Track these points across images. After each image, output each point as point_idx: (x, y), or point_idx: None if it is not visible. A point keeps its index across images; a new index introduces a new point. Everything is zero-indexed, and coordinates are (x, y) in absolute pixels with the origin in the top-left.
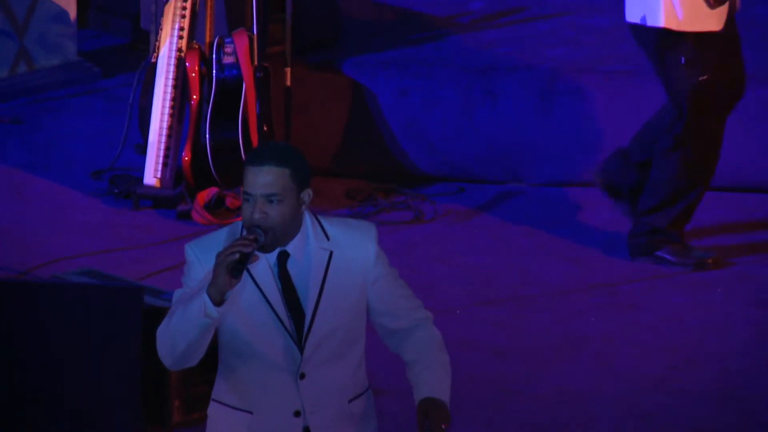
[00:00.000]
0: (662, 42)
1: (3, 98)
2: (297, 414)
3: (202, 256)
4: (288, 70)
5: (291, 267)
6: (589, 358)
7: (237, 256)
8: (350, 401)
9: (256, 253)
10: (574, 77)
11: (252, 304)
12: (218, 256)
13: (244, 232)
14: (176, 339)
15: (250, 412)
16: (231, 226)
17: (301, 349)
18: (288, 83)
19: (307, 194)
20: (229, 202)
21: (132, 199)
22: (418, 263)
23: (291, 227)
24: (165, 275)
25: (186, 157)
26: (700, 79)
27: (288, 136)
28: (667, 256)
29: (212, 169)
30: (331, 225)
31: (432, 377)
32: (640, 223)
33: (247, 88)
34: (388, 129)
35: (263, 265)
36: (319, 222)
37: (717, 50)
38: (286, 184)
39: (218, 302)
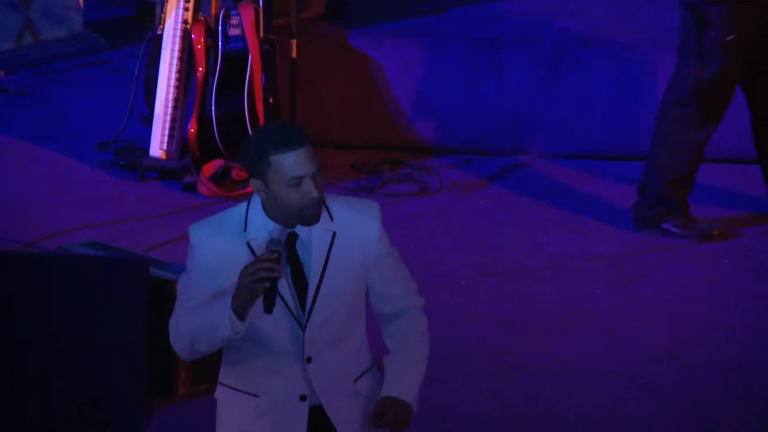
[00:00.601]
0: (704, 8)
1: (8, 70)
2: (303, 398)
3: (206, 240)
4: (294, 42)
5: (297, 248)
6: (595, 330)
7: (268, 284)
8: (356, 381)
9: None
10: (581, 49)
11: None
12: (243, 274)
13: (252, 218)
14: (197, 341)
15: (257, 396)
16: (236, 209)
17: (303, 331)
18: (294, 55)
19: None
20: (235, 173)
21: (138, 171)
22: (424, 235)
23: None
24: (171, 247)
25: (192, 129)
26: (727, 39)
27: (293, 108)
28: (672, 228)
29: (218, 141)
30: (335, 204)
31: (403, 375)
32: (645, 194)
33: (253, 60)
34: (394, 101)
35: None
36: (324, 201)
37: (755, 17)
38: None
39: (242, 316)
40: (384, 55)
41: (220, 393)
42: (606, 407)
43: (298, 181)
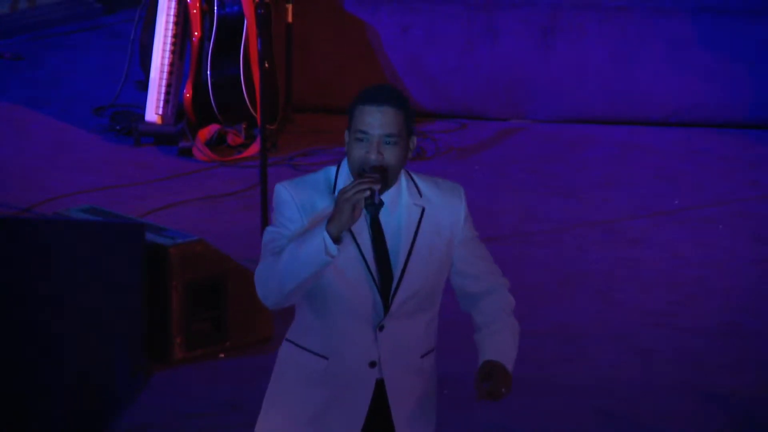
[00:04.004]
0: None
1: (4, 34)
2: (372, 365)
3: (297, 196)
4: (289, 6)
5: (383, 218)
6: (591, 294)
7: (368, 192)
8: (422, 357)
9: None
10: (576, 13)
11: (344, 249)
12: (342, 192)
13: (342, 175)
14: (285, 279)
15: (326, 358)
16: (324, 172)
17: (388, 305)
18: (289, 20)
19: (413, 141)
20: (231, 139)
21: (133, 136)
22: None
23: (397, 173)
24: (167, 212)
25: (187, 94)
26: None
27: (289, 73)
28: None
29: (213, 105)
30: (423, 182)
31: (499, 342)
32: None
33: (249, 24)
34: (390, 65)
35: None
36: (412, 177)
37: None
38: (402, 126)
39: (337, 240)
40: (379, 20)
41: (285, 350)
42: (601, 371)
43: (362, 136)
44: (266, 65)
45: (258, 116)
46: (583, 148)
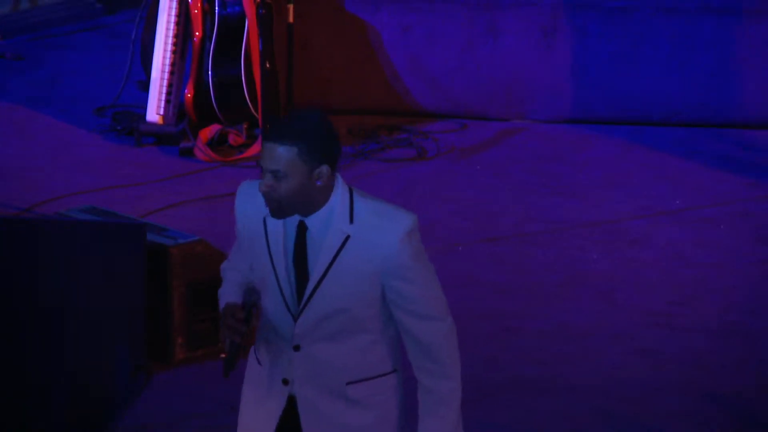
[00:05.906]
0: None
1: (5, 34)
2: (285, 382)
3: (238, 199)
4: (290, 6)
5: (308, 240)
6: (592, 294)
7: (238, 339)
8: (349, 384)
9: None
10: (577, 13)
11: (264, 262)
12: (221, 316)
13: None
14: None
15: (260, 364)
16: None
17: (294, 321)
18: (290, 20)
19: (323, 170)
20: (232, 139)
21: (134, 136)
22: (421, 200)
23: (303, 202)
24: (168, 212)
25: (189, 94)
26: None
27: (290, 73)
28: None
29: (215, 106)
30: (364, 207)
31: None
32: None
33: (250, 24)
34: (391, 65)
35: (278, 229)
36: (351, 202)
37: None
38: (292, 161)
39: None
40: (380, 20)
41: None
42: (602, 371)
43: (261, 168)
44: (267, 65)
45: (259, 116)
46: (584, 148)
